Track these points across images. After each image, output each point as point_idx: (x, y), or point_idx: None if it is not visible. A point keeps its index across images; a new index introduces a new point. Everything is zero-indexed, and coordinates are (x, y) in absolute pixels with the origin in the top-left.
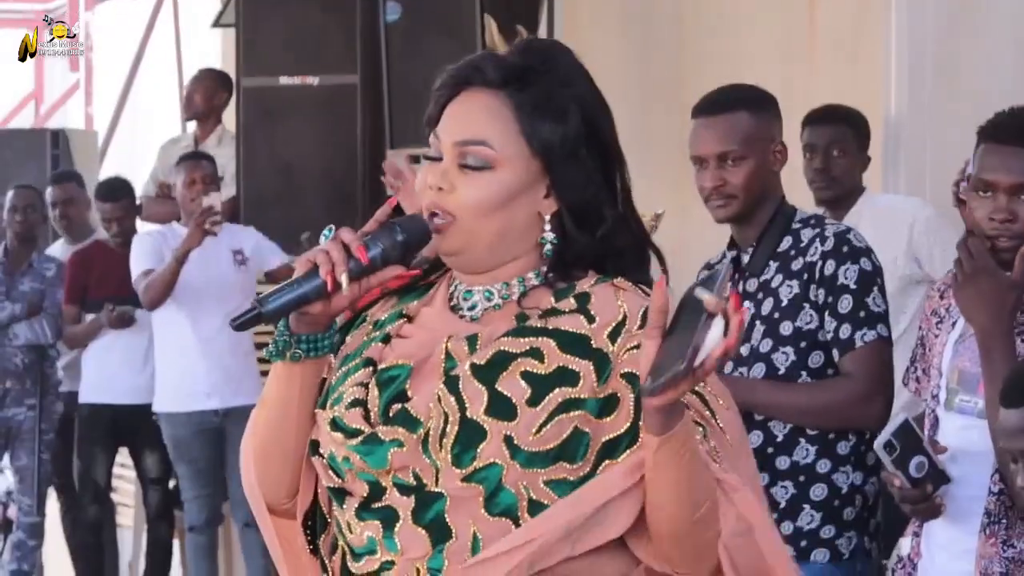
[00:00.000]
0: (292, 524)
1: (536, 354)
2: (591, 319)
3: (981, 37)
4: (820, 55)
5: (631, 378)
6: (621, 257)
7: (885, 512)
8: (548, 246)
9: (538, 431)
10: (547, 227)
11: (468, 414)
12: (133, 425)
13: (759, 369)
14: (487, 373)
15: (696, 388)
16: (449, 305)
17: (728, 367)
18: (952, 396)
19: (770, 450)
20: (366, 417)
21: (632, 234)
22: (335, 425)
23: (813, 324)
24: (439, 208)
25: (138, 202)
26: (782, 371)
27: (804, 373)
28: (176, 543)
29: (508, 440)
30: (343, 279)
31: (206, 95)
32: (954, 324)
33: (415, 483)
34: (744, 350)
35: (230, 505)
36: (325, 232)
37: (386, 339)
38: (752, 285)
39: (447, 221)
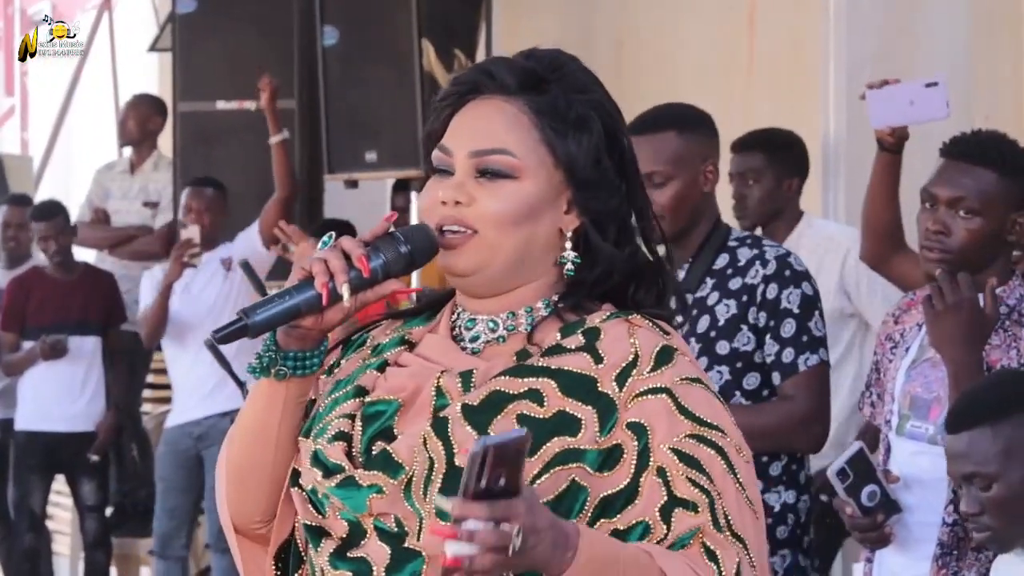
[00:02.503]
0: (260, 551)
1: (535, 396)
2: (599, 359)
3: (918, 60)
4: (758, 78)
5: (638, 429)
6: (642, 281)
7: (818, 530)
8: (569, 265)
9: (531, 483)
10: (568, 244)
11: (456, 461)
12: (70, 453)
13: None
14: (480, 416)
15: (718, 442)
16: (452, 334)
17: None
18: (903, 422)
19: None
20: (348, 453)
21: (653, 254)
22: (316, 460)
23: (750, 346)
24: (458, 222)
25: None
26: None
27: (738, 393)
28: (114, 571)
29: None
30: (344, 290)
31: (140, 120)
32: (907, 349)
33: (396, 529)
34: None
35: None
36: (324, 239)
37: (382, 367)
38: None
39: (465, 235)
